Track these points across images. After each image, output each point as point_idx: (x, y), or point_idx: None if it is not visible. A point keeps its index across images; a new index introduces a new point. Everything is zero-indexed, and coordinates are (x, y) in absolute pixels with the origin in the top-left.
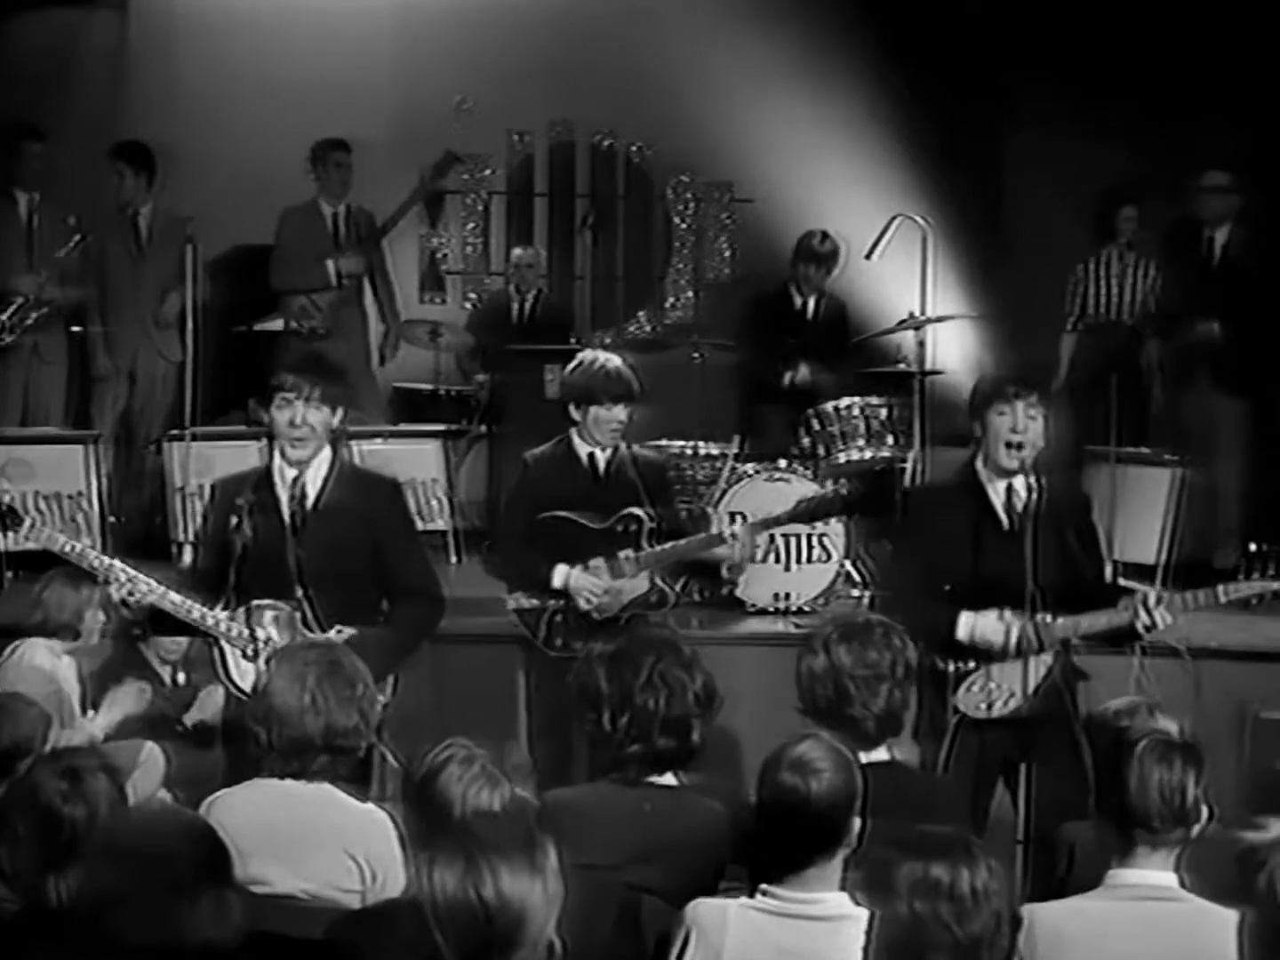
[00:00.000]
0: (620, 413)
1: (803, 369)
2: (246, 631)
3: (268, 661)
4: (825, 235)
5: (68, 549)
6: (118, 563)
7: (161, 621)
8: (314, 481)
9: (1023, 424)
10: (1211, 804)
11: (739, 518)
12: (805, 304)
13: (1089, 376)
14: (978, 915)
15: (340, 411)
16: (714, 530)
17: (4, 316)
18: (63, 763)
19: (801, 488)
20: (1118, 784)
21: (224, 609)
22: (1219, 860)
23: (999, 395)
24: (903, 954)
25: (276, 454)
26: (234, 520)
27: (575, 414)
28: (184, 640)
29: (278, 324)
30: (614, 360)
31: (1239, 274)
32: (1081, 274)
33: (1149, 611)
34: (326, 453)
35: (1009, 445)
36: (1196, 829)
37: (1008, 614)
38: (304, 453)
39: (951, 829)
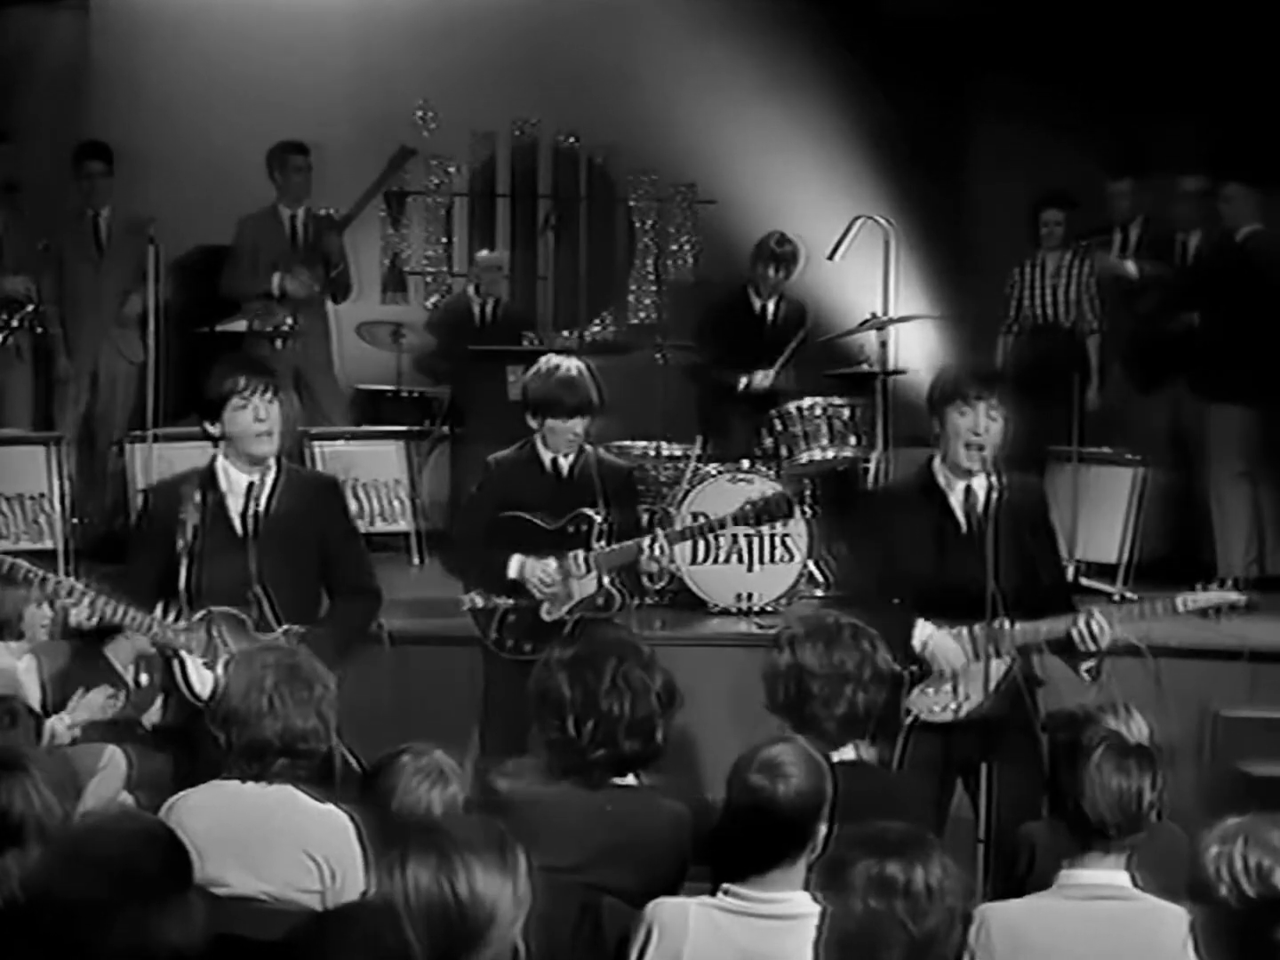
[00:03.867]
0: (577, 425)
1: (758, 375)
2: (204, 640)
3: (225, 666)
4: (784, 237)
5: (30, 576)
6: (77, 584)
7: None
8: (264, 485)
9: (984, 425)
10: (1162, 805)
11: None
12: (765, 307)
13: (1027, 379)
14: (932, 913)
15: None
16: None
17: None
18: None
19: (763, 487)
20: (1073, 789)
21: (176, 617)
22: (1175, 857)
23: (960, 395)
24: (856, 950)
25: (222, 459)
26: (181, 530)
27: (533, 423)
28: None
29: (241, 325)
30: (573, 368)
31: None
32: (1017, 277)
33: (1096, 618)
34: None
35: (969, 445)
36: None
37: (964, 632)
38: (270, 448)
39: (908, 826)
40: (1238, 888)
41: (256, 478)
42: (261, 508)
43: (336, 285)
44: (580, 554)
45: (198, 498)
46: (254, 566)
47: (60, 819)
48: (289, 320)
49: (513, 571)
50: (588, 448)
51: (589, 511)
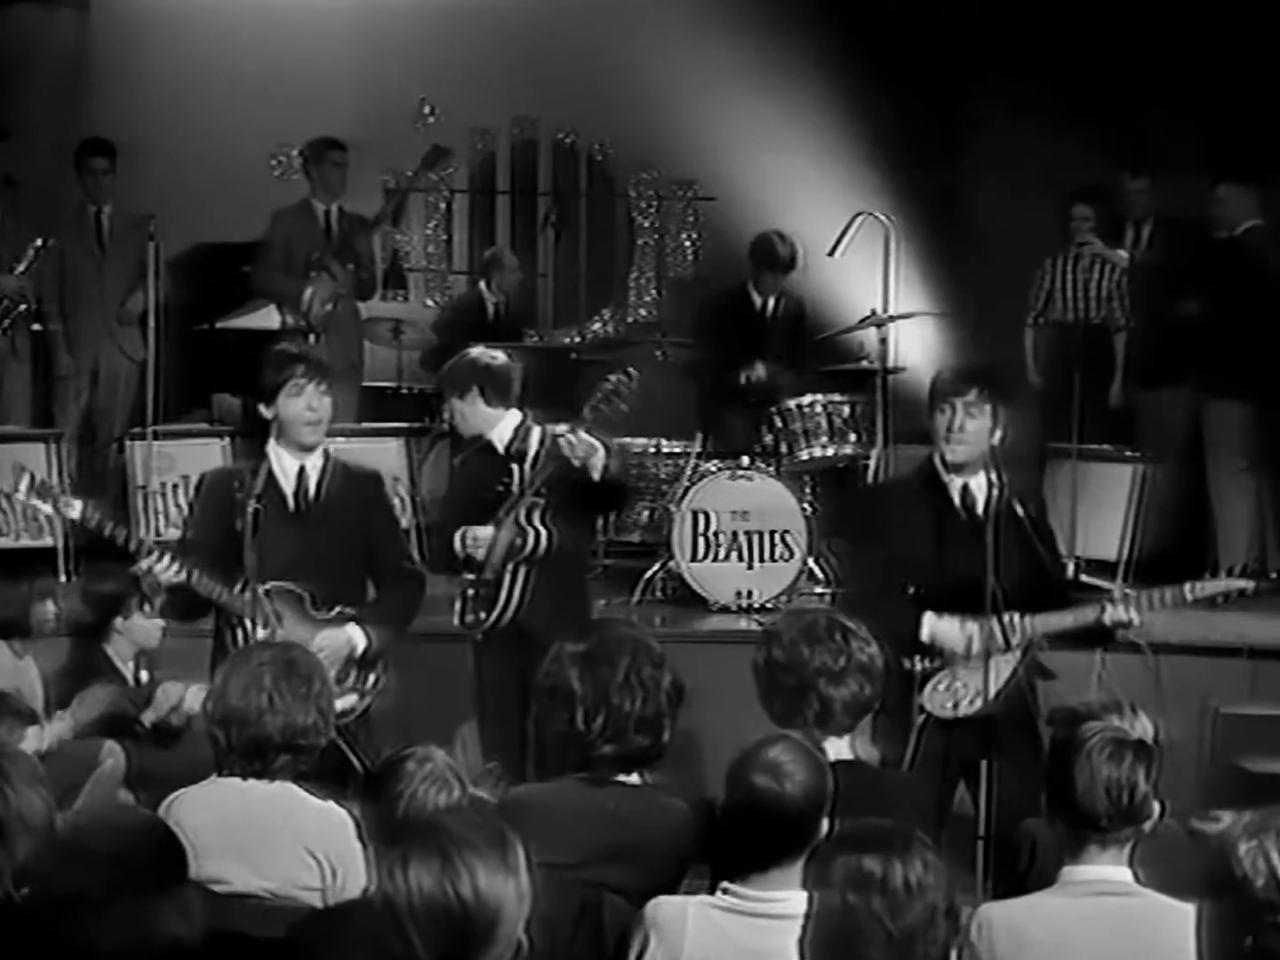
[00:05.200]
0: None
1: (759, 367)
2: (268, 611)
3: (225, 661)
4: (783, 238)
5: (100, 524)
6: (150, 540)
7: (180, 606)
8: (314, 469)
9: (959, 422)
10: (1163, 799)
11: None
12: (765, 304)
13: (1053, 374)
14: (911, 909)
15: (334, 403)
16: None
17: None
18: None
19: (765, 485)
20: (1067, 782)
21: (241, 589)
22: (1176, 854)
23: (940, 394)
24: (836, 947)
25: (275, 446)
26: (240, 512)
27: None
28: (151, 636)
29: (269, 321)
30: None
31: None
32: (1049, 268)
33: (1119, 607)
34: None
35: (949, 442)
36: (1148, 825)
37: (969, 622)
38: (317, 438)
39: (890, 822)
40: (1276, 881)
41: (306, 463)
42: (311, 492)
43: (365, 284)
44: (503, 510)
45: (253, 487)
46: (304, 548)
47: (43, 812)
48: (324, 324)
49: (456, 546)
50: (530, 424)
51: (512, 466)
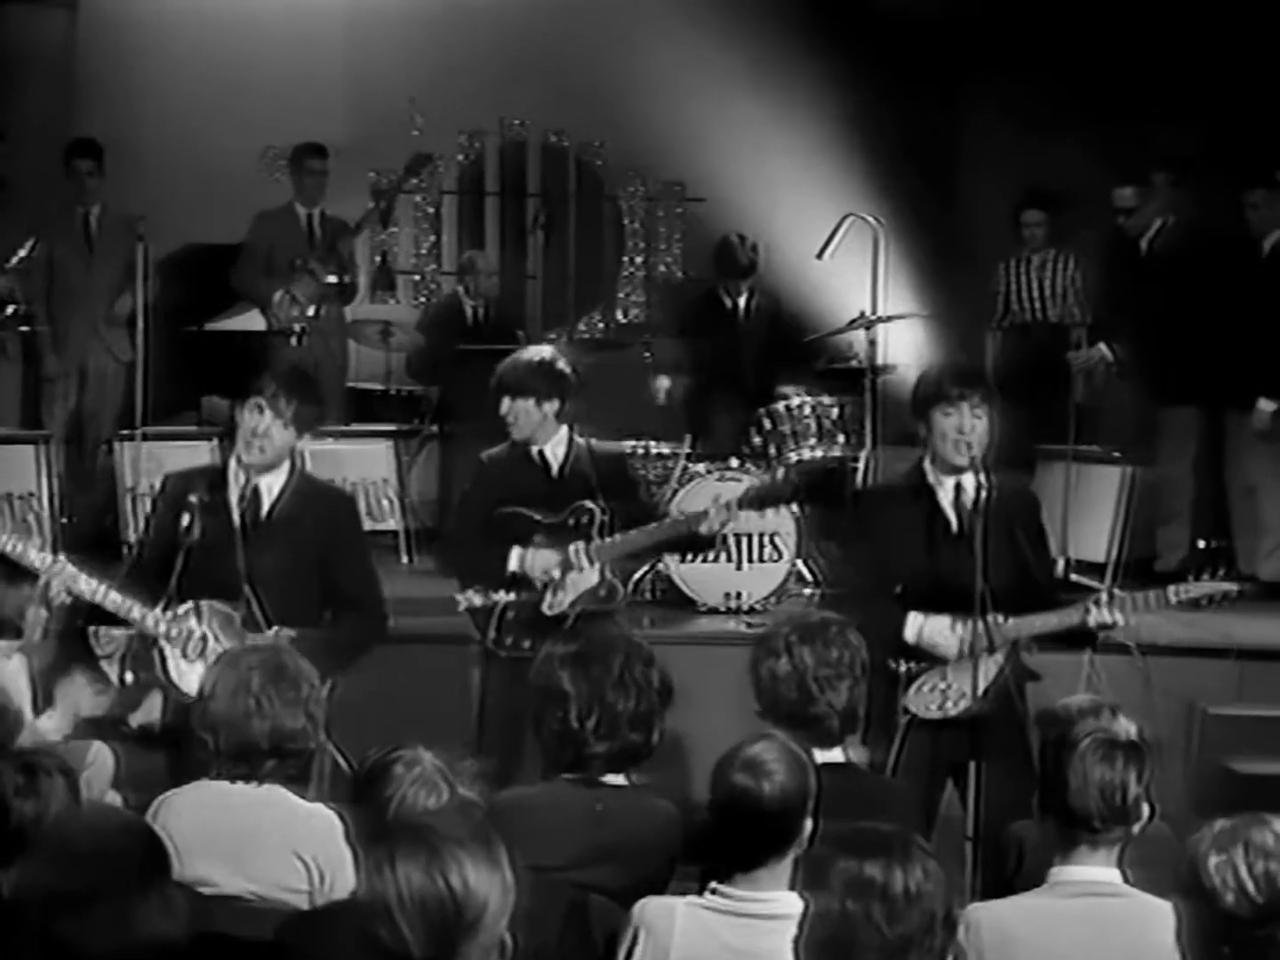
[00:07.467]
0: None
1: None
2: (187, 631)
3: (214, 663)
4: (743, 239)
5: (8, 547)
6: (62, 558)
7: (102, 614)
8: (270, 488)
9: (969, 424)
10: (1153, 801)
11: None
12: (735, 304)
13: (1013, 376)
14: (909, 916)
15: (307, 435)
16: (667, 520)
17: None
18: (21, 759)
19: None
20: (1059, 783)
21: (164, 608)
22: (1164, 855)
23: (943, 396)
24: (831, 951)
25: (234, 458)
26: (184, 518)
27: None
28: (119, 635)
29: (257, 323)
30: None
31: (1162, 277)
32: (1002, 274)
33: (1103, 610)
34: (285, 462)
35: (957, 444)
36: (1138, 826)
37: (958, 623)
38: (257, 460)
39: (891, 827)
40: (1245, 896)
41: (263, 481)
42: (264, 509)
43: (347, 289)
44: (581, 546)
45: (204, 492)
46: (246, 565)
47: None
48: (308, 315)
49: (513, 564)
50: (579, 440)
51: (589, 504)
